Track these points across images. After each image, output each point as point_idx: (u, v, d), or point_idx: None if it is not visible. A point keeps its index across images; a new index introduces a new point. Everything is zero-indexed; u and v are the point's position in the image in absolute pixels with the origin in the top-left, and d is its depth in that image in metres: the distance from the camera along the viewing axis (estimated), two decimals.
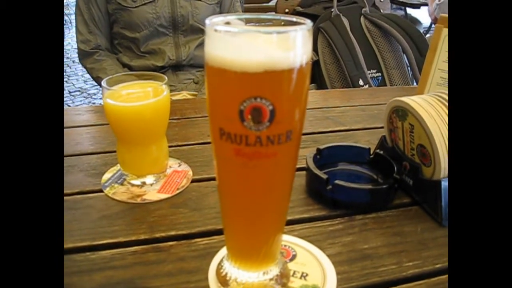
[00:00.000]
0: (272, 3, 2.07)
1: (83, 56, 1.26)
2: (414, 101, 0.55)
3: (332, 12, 1.65)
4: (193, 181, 0.62)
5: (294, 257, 0.46)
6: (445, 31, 0.70)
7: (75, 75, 3.77)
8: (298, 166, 0.38)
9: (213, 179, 0.61)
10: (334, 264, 0.45)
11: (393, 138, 0.62)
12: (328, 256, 0.46)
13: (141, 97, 0.57)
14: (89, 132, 0.79)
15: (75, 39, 1.30)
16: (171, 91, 1.18)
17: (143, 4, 1.19)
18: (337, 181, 0.54)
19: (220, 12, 1.34)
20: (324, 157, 0.62)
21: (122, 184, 0.60)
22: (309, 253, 0.46)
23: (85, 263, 0.45)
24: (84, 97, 3.33)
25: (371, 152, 0.64)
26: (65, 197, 0.57)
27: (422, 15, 3.45)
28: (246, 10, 1.80)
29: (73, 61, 4.06)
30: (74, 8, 1.27)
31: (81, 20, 1.23)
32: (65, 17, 5.06)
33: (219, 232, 0.50)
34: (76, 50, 1.30)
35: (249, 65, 0.30)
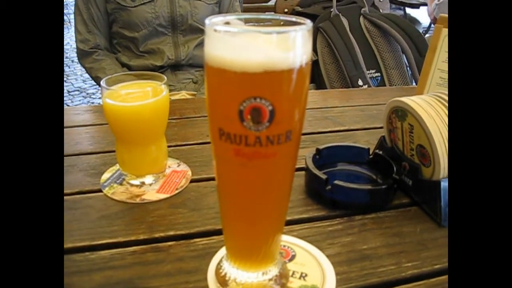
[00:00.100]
0: (271, 3, 2.07)
1: (82, 55, 1.26)
2: (414, 102, 0.55)
3: (331, 12, 1.65)
4: (192, 181, 0.62)
5: (293, 257, 0.46)
6: (444, 31, 0.70)
7: (74, 75, 3.77)
8: (297, 166, 0.38)
9: (212, 179, 0.61)
10: (333, 264, 0.45)
11: (392, 138, 0.62)
12: (327, 256, 0.46)
13: (140, 97, 0.57)
14: (88, 132, 0.79)
15: (74, 38, 1.30)
16: (170, 91, 1.18)
17: (142, 4, 1.19)
18: (336, 182, 0.54)
19: (219, 12, 1.34)
20: (324, 157, 0.62)
21: (121, 184, 0.60)
22: (308, 253, 0.46)
23: (84, 263, 0.45)
24: (83, 96, 3.32)
25: (371, 152, 0.64)
26: (64, 197, 0.57)
27: (421, 15, 3.45)
28: (245, 10, 1.80)
29: (72, 61, 4.05)
30: (73, 8, 1.26)
31: (80, 20, 1.23)
32: (65, 17, 5.05)
33: (218, 232, 0.50)
34: (75, 50, 1.30)
35: (248, 65, 0.30)
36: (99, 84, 0.65)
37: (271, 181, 0.36)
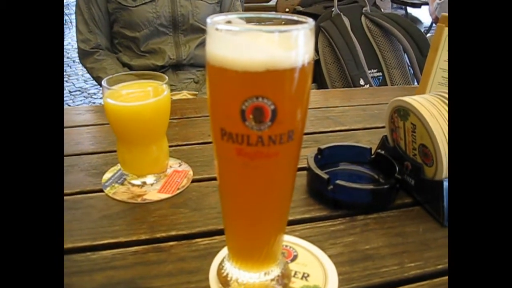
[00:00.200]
0: (272, 3, 2.06)
1: (83, 55, 1.26)
2: (416, 101, 0.54)
3: (332, 11, 1.65)
4: (193, 181, 0.62)
5: (295, 257, 0.46)
6: (446, 31, 0.70)
7: (76, 75, 3.77)
8: (299, 166, 0.38)
9: (214, 179, 0.61)
10: (336, 264, 0.45)
11: (394, 138, 0.62)
12: (330, 256, 0.46)
13: (141, 97, 0.57)
14: (90, 132, 0.79)
15: (75, 38, 1.30)
16: (171, 90, 1.18)
17: (143, 4, 1.18)
18: (338, 181, 0.54)
19: (221, 12, 1.34)
20: (325, 157, 0.62)
21: (122, 184, 0.60)
22: (311, 253, 0.46)
23: (85, 263, 0.45)
24: (85, 96, 3.33)
25: (373, 152, 0.64)
26: (65, 197, 0.57)
27: (423, 14, 3.44)
28: (246, 10, 1.80)
29: (74, 61, 4.06)
30: (74, 8, 1.26)
31: (81, 20, 1.23)
32: (65, 17, 5.06)
33: (220, 232, 0.49)
34: (76, 50, 1.30)
35: (250, 64, 0.30)
36: (100, 84, 0.64)
37: (273, 181, 0.36)
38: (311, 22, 0.32)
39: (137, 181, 0.60)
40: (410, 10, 3.40)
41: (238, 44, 0.31)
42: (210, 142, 0.70)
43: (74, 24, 1.29)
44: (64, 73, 3.80)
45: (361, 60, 1.55)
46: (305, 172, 0.59)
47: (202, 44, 1.26)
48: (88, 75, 1.92)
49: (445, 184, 0.52)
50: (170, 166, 0.65)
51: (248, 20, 0.34)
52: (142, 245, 0.48)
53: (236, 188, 0.37)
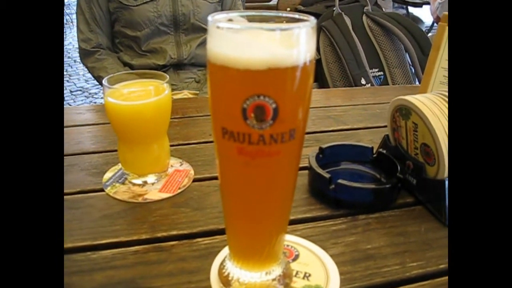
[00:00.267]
0: (273, 2, 2.06)
1: (84, 55, 1.26)
2: (418, 100, 0.54)
3: (334, 10, 1.64)
4: (194, 180, 0.61)
5: (297, 257, 0.45)
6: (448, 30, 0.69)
7: (77, 75, 3.77)
8: (300, 165, 0.38)
9: (215, 178, 0.61)
10: (337, 264, 0.44)
11: (396, 137, 0.62)
12: (331, 256, 0.46)
13: (142, 96, 0.57)
14: (90, 131, 0.79)
15: (76, 38, 1.30)
16: (172, 90, 1.18)
17: (145, 3, 1.18)
18: (340, 181, 0.54)
19: (222, 11, 1.34)
20: (327, 156, 0.62)
21: (123, 183, 0.60)
22: (312, 253, 0.46)
23: (86, 262, 0.45)
24: (86, 96, 3.33)
25: (374, 151, 0.63)
26: (66, 196, 0.57)
27: (424, 14, 3.44)
28: (247, 9, 1.80)
29: (75, 61, 4.06)
30: (75, 8, 1.26)
31: (82, 19, 1.23)
32: (66, 17, 5.06)
33: (221, 231, 0.49)
34: (77, 50, 1.30)
35: (252, 63, 0.30)
36: (101, 84, 0.64)
37: (274, 180, 0.36)
38: (312, 20, 0.31)
39: (138, 181, 0.60)
40: (411, 9, 3.40)
41: (240, 42, 0.30)
42: (211, 141, 0.70)
43: (75, 23, 1.29)
44: (65, 73, 3.80)
45: (362, 60, 1.54)
46: (306, 171, 0.59)
47: (203, 43, 1.26)
48: (89, 75, 1.92)
49: (447, 183, 0.51)
50: (171, 166, 0.65)
51: (250, 19, 0.34)
52: (143, 245, 0.48)
53: (237, 187, 0.37)
